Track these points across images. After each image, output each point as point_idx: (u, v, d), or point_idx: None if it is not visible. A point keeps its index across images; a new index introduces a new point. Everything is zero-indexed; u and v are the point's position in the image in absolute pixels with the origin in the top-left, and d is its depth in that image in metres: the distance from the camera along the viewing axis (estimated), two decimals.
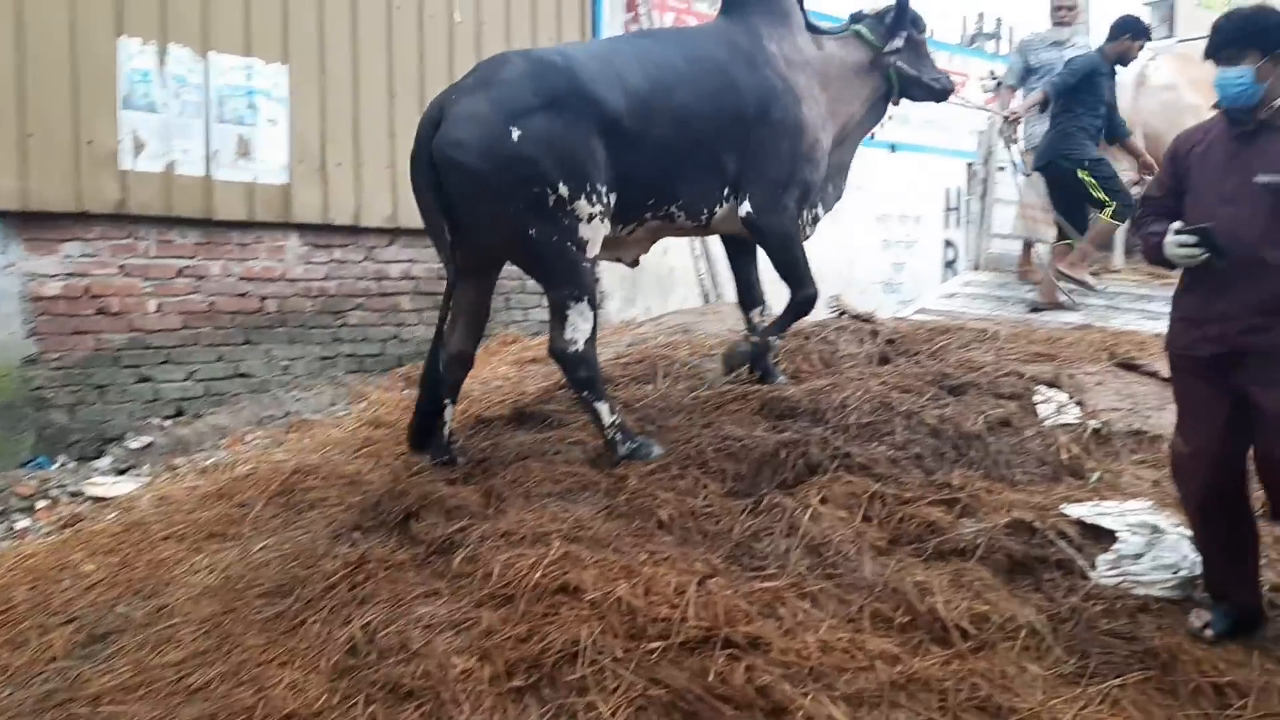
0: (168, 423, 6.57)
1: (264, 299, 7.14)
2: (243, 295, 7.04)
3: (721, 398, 5.01)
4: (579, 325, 4.38)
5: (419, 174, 4.37)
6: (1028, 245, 7.85)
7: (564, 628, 3.14)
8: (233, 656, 3.40)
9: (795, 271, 5.07)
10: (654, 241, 5.08)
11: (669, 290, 9.23)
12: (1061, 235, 7.07)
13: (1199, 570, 3.46)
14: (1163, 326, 6.29)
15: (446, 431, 4.75)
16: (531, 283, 8.31)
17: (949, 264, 12.16)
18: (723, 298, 8.48)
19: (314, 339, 7.35)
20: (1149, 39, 7.07)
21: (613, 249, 4.85)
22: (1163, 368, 4.95)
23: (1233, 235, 3.07)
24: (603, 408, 4.42)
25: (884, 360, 5.38)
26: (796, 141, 4.90)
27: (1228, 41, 3.13)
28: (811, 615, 3.25)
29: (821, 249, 10.53)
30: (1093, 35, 9.33)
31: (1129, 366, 5.03)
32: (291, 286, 7.25)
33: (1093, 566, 3.55)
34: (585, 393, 4.43)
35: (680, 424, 4.74)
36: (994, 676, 2.96)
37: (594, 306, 4.45)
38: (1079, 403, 4.58)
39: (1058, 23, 7.63)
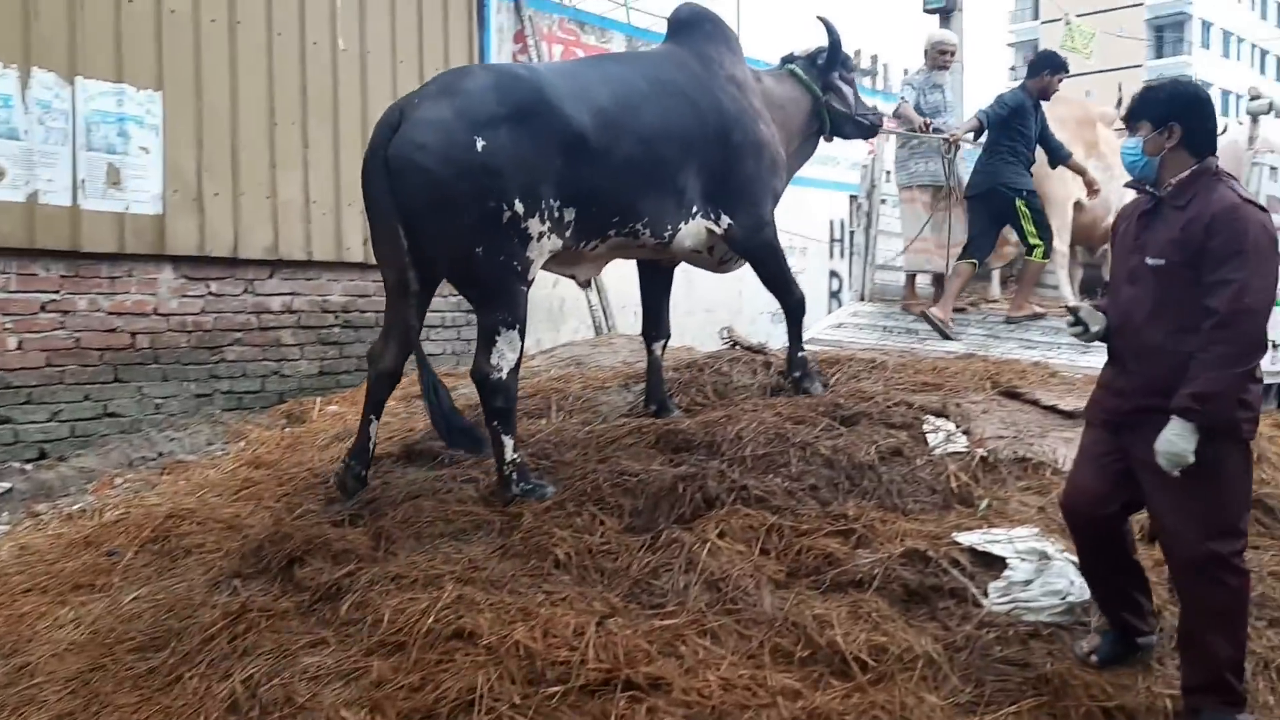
0: (29, 466, 6.19)
1: (135, 334, 6.82)
2: (112, 331, 6.71)
3: (617, 431, 4.97)
4: (505, 353, 4.28)
5: (372, 180, 4.19)
6: (911, 277, 8.06)
7: (459, 675, 3.04)
8: (102, 717, 3.19)
9: (783, 279, 5.35)
10: (611, 260, 5.09)
11: (560, 322, 9.17)
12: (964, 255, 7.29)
13: (1086, 596, 3.54)
14: (1040, 355, 6.60)
15: (372, 448, 4.67)
16: None
17: (834, 294, 12.43)
18: (615, 329, 8.47)
19: (189, 376, 7.05)
20: (1067, 72, 7.37)
21: (570, 264, 4.84)
22: (1044, 395, 5.13)
23: (1127, 316, 3.18)
24: (508, 442, 4.32)
25: (777, 391, 5.41)
26: (760, 158, 5.06)
27: (1130, 111, 3.25)
28: (712, 653, 3.21)
29: (709, 279, 10.65)
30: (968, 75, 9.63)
31: (1011, 395, 5.16)
32: (165, 321, 6.95)
33: (985, 594, 3.60)
34: (496, 423, 4.32)
35: (575, 459, 4.67)
36: (894, 708, 2.97)
37: (523, 336, 4.38)
38: (966, 431, 4.67)
39: (939, 66, 7.88)
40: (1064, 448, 4.57)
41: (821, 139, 5.86)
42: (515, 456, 4.34)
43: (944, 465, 4.41)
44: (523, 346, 4.40)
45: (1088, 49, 12.20)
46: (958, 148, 7.41)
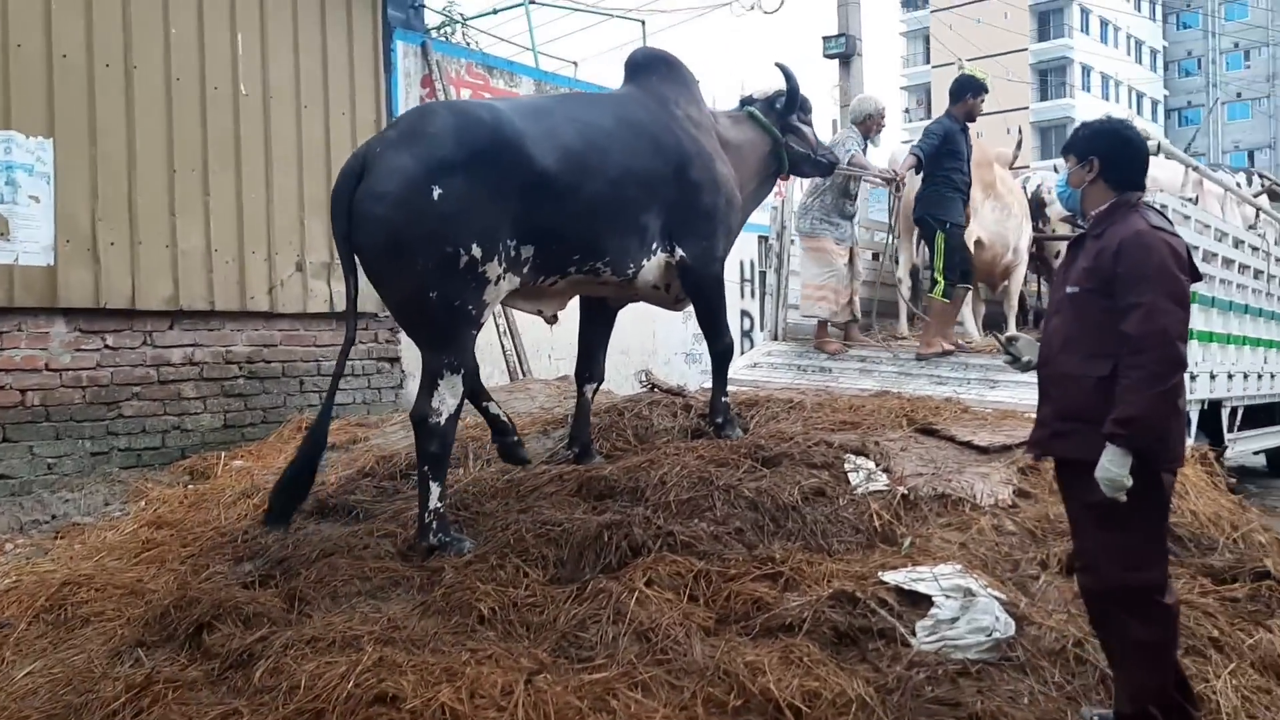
0: None
1: (25, 391, 6.49)
2: (0, 388, 6.38)
3: (537, 479, 4.89)
4: (446, 398, 4.29)
5: (338, 223, 4.27)
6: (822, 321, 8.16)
7: None
8: None
9: (719, 321, 5.45)
10: (574, 295, 5.13)
11: None
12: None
13: (1011, 631, 3.57)
14: (950, 390, 6.71)
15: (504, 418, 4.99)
16: (328, 365, 7.97)
17: (746, 334, 12.53)
18: (530, 374, 8.37)
19: (84, 433, 6.74)
20: (987, 93, 7.61)
21: (533, 300, 4.89)
22: (959, 431, 5.21)
23: (1048, 345, 3.28)
24: (435, 490, 4.29)
25: (697, 434, 5.40)
26: (716, 196, 5.19)
27: (1063, 146, 3.38)
28: (644, 706, 3.14)
29: (623, 319, 10.59)
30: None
31: (928, 432, 5.23)
32: (57, 377, 6.64)
33: (913, 633, 3.60)
34: (426, 467, 4.30)
35: (496, 509, 4.57)
36: None
37: (465, 383, 4.40)
38: (886, 469, 4.71)
39: (872, 132, 8.03)
40: (981, 483, 4.65)
41: (779, 179, 6.09)
42: (439, 506, 4.30)
43: (866, 504, 4.43)
44: (464, 394, 4.41)
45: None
46: (901, 186, 7.59)
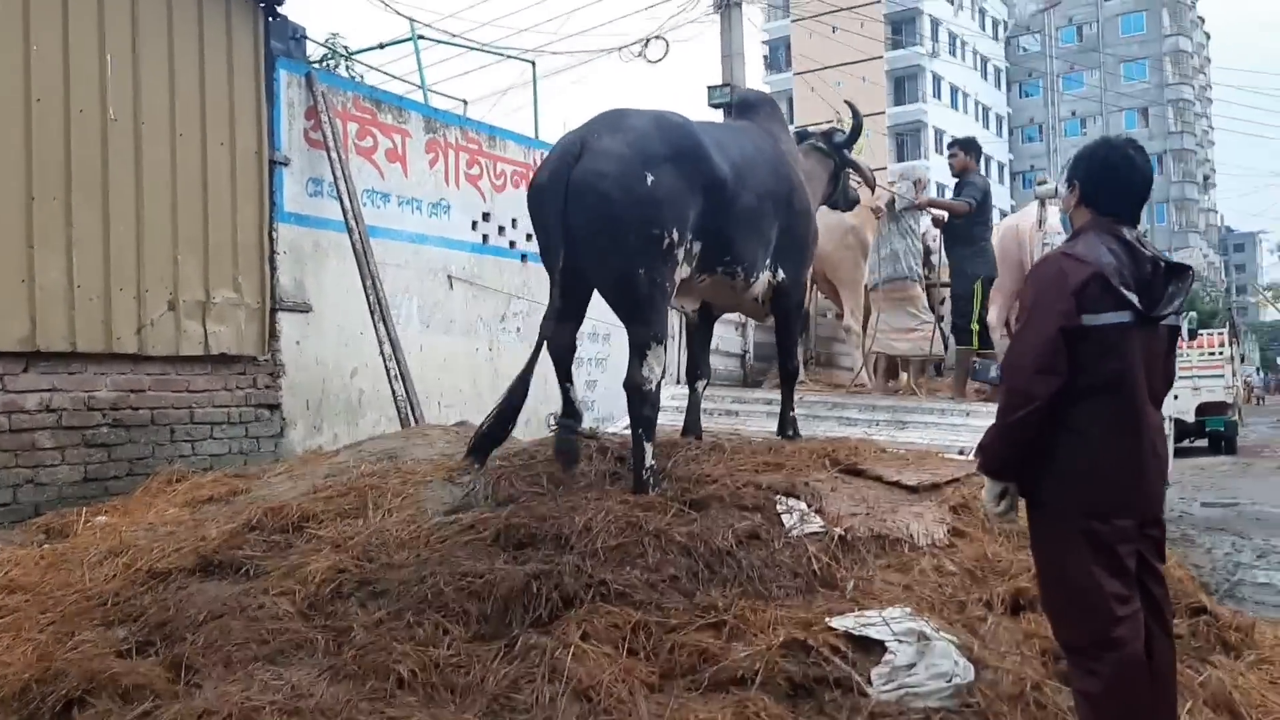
0: None
1: None
2: None
3: (449, 529, 4.52)
4: (654, 367, 4.83)
5: (551, 201, 4.69)
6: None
7: None
8: None
9: (794, 343, 6.30)
10: (705, 296, 5.80)
11: (358, 415, 8.54)
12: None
13: (971, 676, 3.40)
14: (859, 431, 6.62)
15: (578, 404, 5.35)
16: (202, 412, 7.40)
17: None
18: (423, 420, 7.95)
19: None
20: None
21: (683, 294, 5.46)
22: (885, 471, 5.08)
23: None
24: (649, 449, 4.81)
25: (615, 477, 5.11)
26: (809, 224, 6.02)
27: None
28: None
29: (515, 368, 10.26)
30: None
31: (854, 472, 5.09)
32: None
33: (869, 682, 3.39)
34: (640, 430, 4.81)
35: (408, 560, 4.18)
36: None
37: (666, 352, 5.03)
38: (819, 510, 4.52)
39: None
40: (916, 523, 4.50)
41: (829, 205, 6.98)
42: (653, 463, 4.83)
43: (803, 547, 4.23)
44: (666, 359, 5.08)
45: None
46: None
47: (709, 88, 14.52)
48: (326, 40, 10.04)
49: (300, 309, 8.04)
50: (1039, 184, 7.09)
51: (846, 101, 6.52)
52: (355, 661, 3.44)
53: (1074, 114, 60.37)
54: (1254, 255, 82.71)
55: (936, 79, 54.39)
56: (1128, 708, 2.85)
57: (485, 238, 10.07)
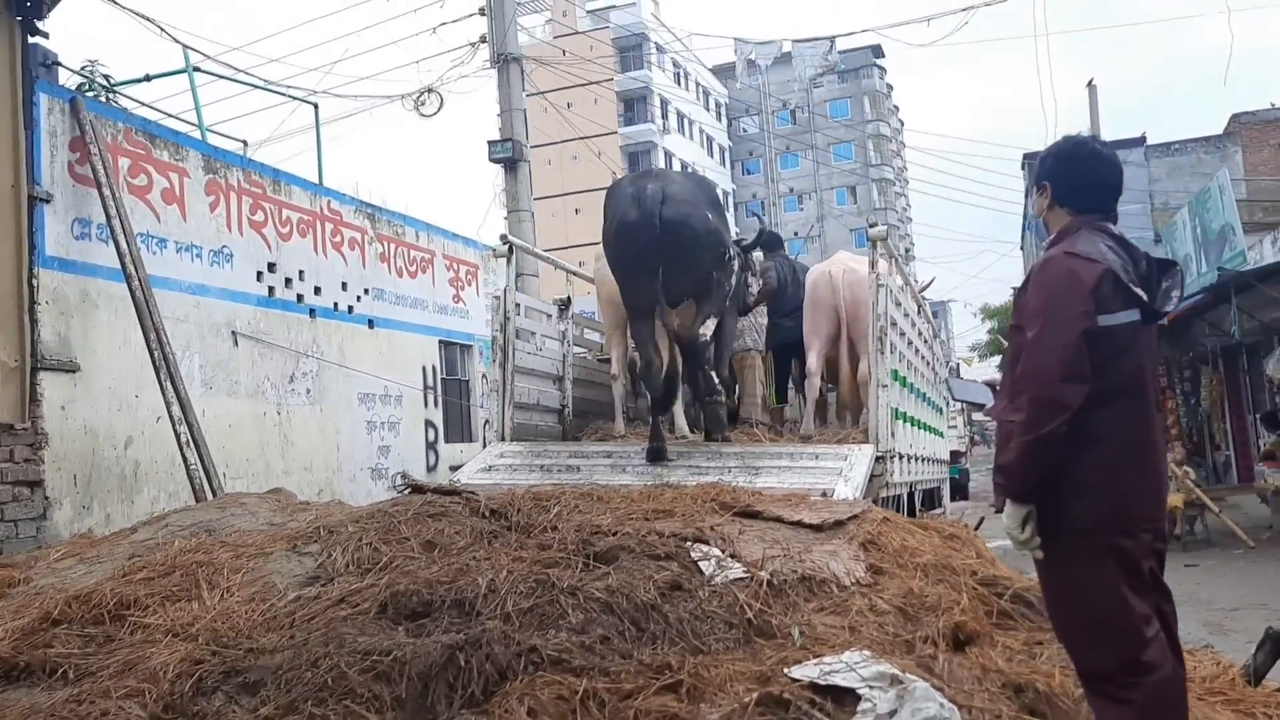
0: None
1: None
2: None
3: (317, 604, 3.84)
4: (708, 330, 7.02)
5: (646, 232, 6.57)
6: None
7: None
8: None
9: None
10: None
11: (135, 490, 7.42)
12: None
13: (957, 718, 3.15)
14: (713, 478, 6.35)
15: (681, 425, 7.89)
16: None
17: (430, 445, 11.61)
18: (222, 490, 6.99)
19: None
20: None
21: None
22: (785, 512, 4.83)
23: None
24: (714, 376, 7.24)
25: (494, 536, 4.56)
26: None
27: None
28: None
29: (308, 431, 9.48)
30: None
31: (750, 515, 4.80)
32: None
33: None
34: (703, 368, 7.10)
35: (280, 644, 3.48)
36: None
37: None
38: (733, 555, 4.19)
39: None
40: (834, 562, 4.28)
41: None
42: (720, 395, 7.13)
43: (731, 594, 3.88)
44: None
45: None
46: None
47: (489, 142, 14.26)
48: (83, 68, 8.87)
49: (66, 368, 6.91)
50: (871, 226, 7.18)
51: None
52: None
53: (791, 190, 64.69)
54: (946, 322, 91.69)
55: (668, 155, 56.61)
56: None
57: (271, 290, 9.18)
